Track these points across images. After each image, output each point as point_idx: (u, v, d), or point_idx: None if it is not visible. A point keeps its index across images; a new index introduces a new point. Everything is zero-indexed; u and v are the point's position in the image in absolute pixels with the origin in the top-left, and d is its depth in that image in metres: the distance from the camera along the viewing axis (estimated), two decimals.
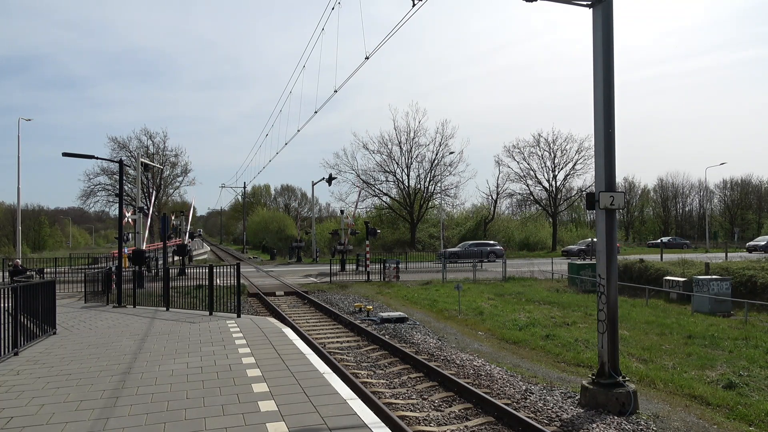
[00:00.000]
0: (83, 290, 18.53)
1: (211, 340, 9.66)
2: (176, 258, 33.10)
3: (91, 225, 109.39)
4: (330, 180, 40.09)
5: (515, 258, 42.41)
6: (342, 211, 44.25)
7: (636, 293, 19.66)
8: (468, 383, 8.75)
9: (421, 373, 9.65)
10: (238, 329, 10.77)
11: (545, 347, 11.89)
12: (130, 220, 25.40)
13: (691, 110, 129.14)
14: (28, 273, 22.49)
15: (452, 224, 59.51)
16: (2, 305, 8.22)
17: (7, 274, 23.79)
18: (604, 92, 7.89)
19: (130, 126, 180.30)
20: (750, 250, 42.85)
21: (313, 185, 45.55)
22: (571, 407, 7.72)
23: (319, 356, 8.83)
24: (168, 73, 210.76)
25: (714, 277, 17.21)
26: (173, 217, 35.49)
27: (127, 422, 5.38)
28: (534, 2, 8.05)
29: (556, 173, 58.48)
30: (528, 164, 58.82)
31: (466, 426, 7.14)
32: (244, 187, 74.25)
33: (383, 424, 5.29)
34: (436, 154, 54.69)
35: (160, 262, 25.39)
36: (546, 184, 59.13)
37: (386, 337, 12.89)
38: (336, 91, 17.71)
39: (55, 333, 10.87)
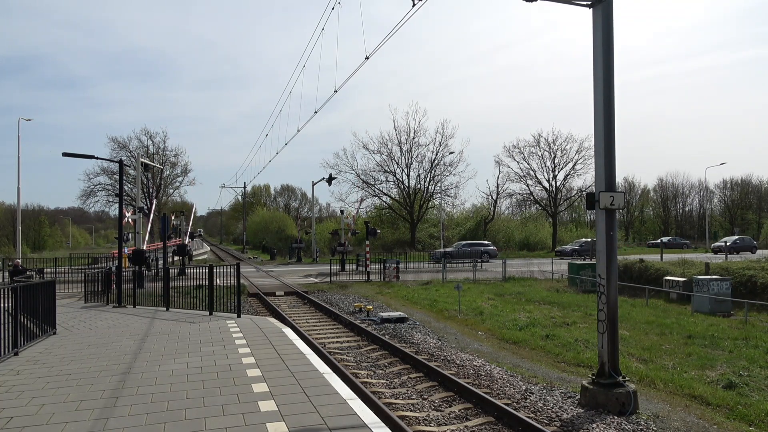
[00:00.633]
0: (83, 290, 18.53)
1: (211, 340, 9.66)
2: (176, 258, 33.10)
3: (91, 225, 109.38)
4: (330, 180, 40.10)
5: (515, 258, 42.40)
6: (342, 211, 44.26)
7: (636, 293, 19.66)
8: (468, 383, 8.75)
9: (421, 373, 9.65)
10: (238, 329, 10.77)
11: (545, 347, 11.89)
12: (130, 220, 25.39)
13: (691, 110, 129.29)
14: (28, 273, 22.48)
15: (452, 224, 59.51)
16: (2, 305, 8.22)
17: (7, 274, 23.79)
18: (604, 92, 7.89)
19: (130, 126, 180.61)
20: (715, 251, 42.39)
21: (313, 185, 45.58)
22: (571, 407, 7.72)
23: (319, 356, 8.83)
24: (168, 73, 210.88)
25: (714, 277, 17.21)
26: (173, 217, 35.48)
27: (127, 422, 5.38)
28: (534, 2, 8.05)
29: (556, 173, 58.57)
30: (528, 164, 58.91)
31: (466, 426, 7.14)
32: (244, 187, 74.34)
33: (383, 424, 5.29)
34: (436, 154, 54.76)
35: (160, 262, 25.39)
36: (546, 184, 59.21)
37: (386, 337, 12.89)
38: (336, 91, 17.72)
39: (55, 333, 10.87)
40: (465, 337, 13.27)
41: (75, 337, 10.46)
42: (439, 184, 54.58)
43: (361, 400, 6.16)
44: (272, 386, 6.57)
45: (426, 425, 7.17)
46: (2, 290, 8.41)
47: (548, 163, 58.51)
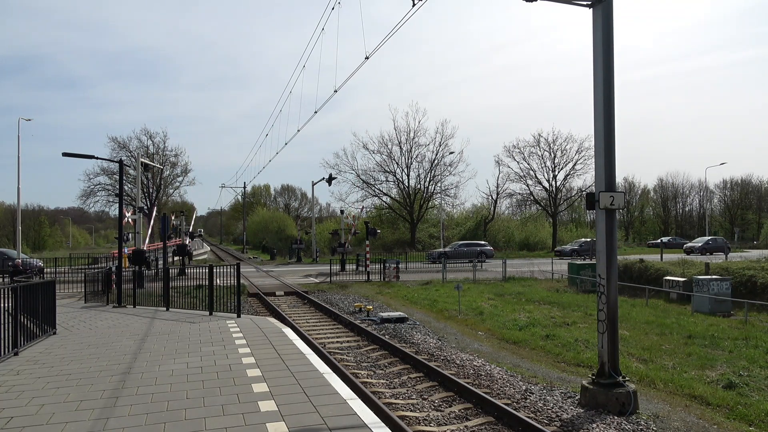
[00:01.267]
0: (83, 290, 18.53)
1: (211, 340, 9.66)
2: (176, 258, 33.09)
3: (91, 225, 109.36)
4: (330, 180, 40.10)
5: (515, 258, 42.39)
6: (342, 211, 44.27)
7: (636, 293, 19.66)
8: (468, 383, 8.75)
9: (421, 373, 9.65)
10: (238, 329, 10.77)
11: (545, 347, 11.89)
12: (130, 220, 25.38)
13: (691, 110, 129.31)
14: (31, 262, 22.29)
15: (452, 224, 59.53)
16: (2, 305, 8.22)
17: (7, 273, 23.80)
18: (604, 92, 7.89)
19: (130, 126, 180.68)
20: (687, 251, 42.25)
21: (313, 185, 45.58)
22: (571, 407, 7.72)
23: (319, 356, 8.83)
24: (168, 73, 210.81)
25: (714, 277, 17.21)
26: (173, 217, 35.48)
27: (127, 422, 5.38)
28: (534, 2, 8.05)
29: (556, 173, 58.60)
30: (528, 164, 58.94)
31: (466, 426, 7.14)
32: (244, 187, 74.32)
33: (383, 424, 5.29)
34: (436, 154, 54.78)
35: (161, 262, 25.38)
36: (546, 184, 59.23)
37: (386, 337, 12.89)
38: (336, 91, 17.72)
39: (55, 333, 10.87)
40: (465, 337, 13.27)
41: (75, 337, 10.46)
42: (439, 184, 54.65)
43: (361, 400, 6.16)
44: (272, 386, 6.58)
45: (426, 425, 7.17)
46: (2, 290, 8.41)
47: (548, 163, 58.60)
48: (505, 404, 7.67)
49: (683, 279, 18.77)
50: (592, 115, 8.04)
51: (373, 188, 56.53)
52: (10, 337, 8.67)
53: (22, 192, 30.70)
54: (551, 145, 57.81)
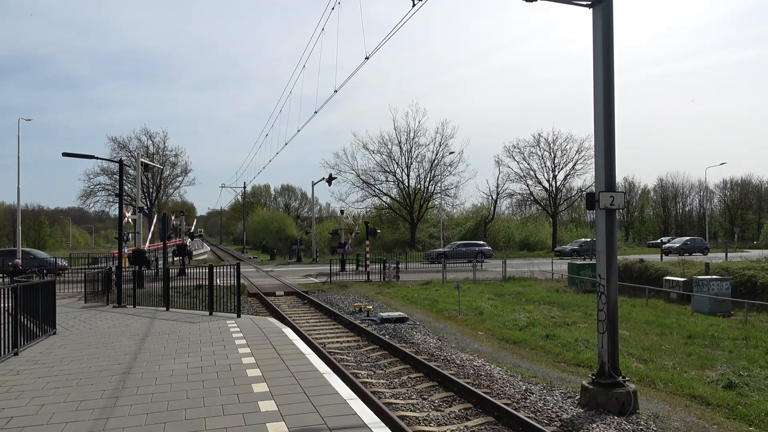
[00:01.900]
0: (83, 290, 18.53)
1: (211, 340, 9.66)
2: (176, 258, 33.10)
3: (91, 225, 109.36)
4: (330, 180, 40.10)
5: (515, 258, 42.40)
6: (342, 211, 44.28)
7: (636, 293, 19.66)
8: (468, 383, 8.75)
9: (421, 373, 9.65)
10: (238, 329, 10.77)
11: (545, 347, 11.89)
12: (130, 220, 25.39)
13: (691, 110, 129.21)
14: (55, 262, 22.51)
15: (452, 224, 59.55)
16: (2, 305, 8.22)
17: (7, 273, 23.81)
18: (604, 92, 7.89)
19: (130, 126, 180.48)
20: (665, 252, 42.10)
21: (313, 185, 45.58)
22: (571, 407, 7.72)
23: (319, 356, 8.83)
24: (168, 73, 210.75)
25: (714, 277, 17.21)
26: (173, 217, 35.49)
27: (127, 422, 5.38)
28: (534, 2, 8.05)
29: (556, 173, 58.62)
30: (528, 164, 58.97)
31: (466, 426, 7.14)
32: (244, 187, 74.33)
33: (383, 424, 5.29)
34: (436, 154, 54.80)
35: (160, 262, 25.39)
36: (546, 184, 59.26)
37: (386, 337, 12.89)
38: (336, 91, 17.73)
39: (55, 333, 10.87)
40: (465, 337, 13.27)
41: (75, 337, 10.46)
42: (439, 184, 54.66)
43: (361, 400, 6.16)
44: (272, 386, 6.58)
45: (426, 425, 7.17)
46: (2, 290, 8.41)
47: (548, 163, 58.62)
48: (505, 404, 7.67)
49: (683, 279, 18.77)
50: (592, 115, 8.05)
51: (373, 188, 56.60)
52: (10, 337, 8.68)
53: (22, 192, 30.70)
54: (551, 145, 57.90)
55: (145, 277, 18.63)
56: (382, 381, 9.34)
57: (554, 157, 58.04)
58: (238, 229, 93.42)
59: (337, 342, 12.62)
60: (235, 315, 12.43)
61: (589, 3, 8.03)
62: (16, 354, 8.75)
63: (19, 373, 7.53)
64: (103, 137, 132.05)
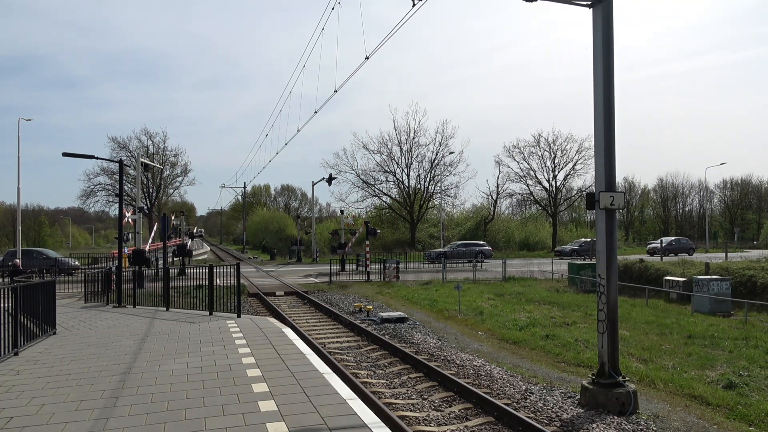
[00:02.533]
0: (83, 290, 18.53)
1: (211, 340, 9.66)
2: (176, 258, 33.11)
3: (91, 225, 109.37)
4: (330, 180, 40.09)
5: (515, 258, 42.40)
6: (342, 211, 44.28)
7: (636, 293, 19.66)
8: (468, 383, 8.75)
9: (421, 373, 9.65)
10: (238, 329, 10.77)
11: (545, 347, 11.89)
12: (130, 220, 25.39)
13: (691, 110, 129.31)
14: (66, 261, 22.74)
15: (452, 224, 59.55)
16: (2, 305, 8.22)
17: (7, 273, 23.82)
18: (604, 92, 7.89)
19: (130, 126, 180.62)
20: (650, 252, 41.95)
21: (313, 185, 45.56)
22: (571, 407, 7.72)
23: (319, 356, 8.83)
24: (167, 73, 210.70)
25: (714, 277, 17.22)
26: (173, 217, 35.50)
27: (127, 422, 5.38)
28: (534, 2, 8.05)
29: (556, 173, 58.64)
30: (528, 164, 58.99)
31: (466, 426, 7.14)
32: (244, 187, 74.32)
33: (383, 424, 5.29)
34: (436, 154, 54.81)
35: (160, 262, 25.40)
36: (546, 184, 59.27)
37: (386, 337, 12.89)
38: (336, 91, 17.73)
39: (55, 333, 10.87)
40: (465, 337, 13.27)
41: (75, 337, 10.46)
42: (439, 184, 54.68)
43: (361, 400, 6.16)
44: (272, 386, 6.58)
45: (426, 425, 7.17)
46: (2, 290, 8.40)
47: (548, 163, 58.64)
48: (505, 404, 7.67)
49: (683, 279, 18.77)
50: (592, 115, 8.05)
51: (373, 188, 56.61)
52: (10, 337, 8.67)
53: (22, 192, 30.69)
54: (551, 145, 57.91)
55: (145, 277, 18.63)
56: (382, 381, 9.34)
57: (554, 157, 58.11)
58: (238, 229, 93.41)
59: (337, 342, 12.61)
60: (235, 315, 12.43)
61: (589, 3, 8.03)
62: (16, 354, 8.75)
63: (19, 373, 7.53)
64: (103, 137, 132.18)
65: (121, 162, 17.27)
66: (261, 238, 71.10)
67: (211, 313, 13.08)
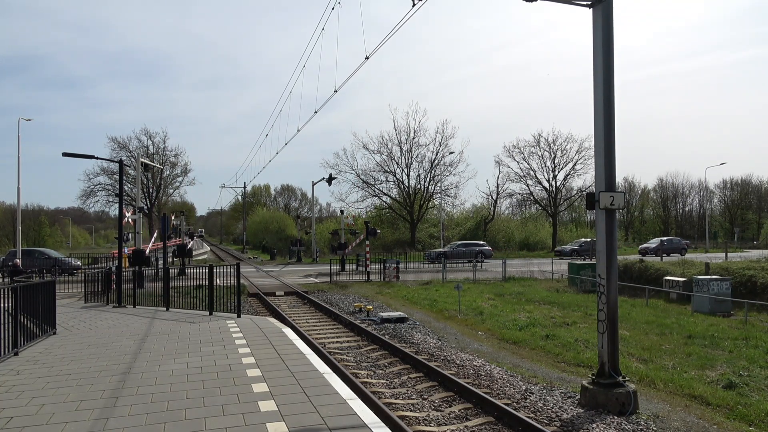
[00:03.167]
0: (83, 290, 18.53)
1: (211, 340, 9.66)
2: (176, 258, 33.10)
3: (91, 225, 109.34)
4: (330, 180, 40.10)
5: (515, 258, 42.40)
6: (342, 211, 44.27)
7: (636, 293, 19.66)
8: (468, 383, 8.75)
9: (421, 373, 9.65)
10: (238, 329, 10.77)
11: (545, 347, 11.89)
12: (130, 220, 25.38)
13: (691, 110, 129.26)
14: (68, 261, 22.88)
15: (452, 224, 59.55)
16: (2, 305, 8.22)
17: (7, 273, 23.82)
18: (604, 92, 7.89)
19: (129, 126, 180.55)
20: (642, 253, 41.87)
21: (313, 185, 45.57)
22: (571, 407, 7.72)
23: (319, 356, 8.83)
24: (167, 73, 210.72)
25: (714, 277, 17.21)
26: (173, 217, 35.48)
27: (127, 422, 5.38)
28: (534, 2, 8.05)
29: (556, 173, 58.65)
30: (528, 164, 59.01)
31: (466, 426, 7.14)
32: (244, 187, 74.34)
33: (383, 424, 5.29)
34: (436, 154, 54.83)
35: (160, 262, 25.41)
36: (546, 184, 59.29)
37: (386, 337, 12.89)
38: (336, 91, 17.73)
39: (55, 333, 10.87)
40: (465, 337, 13.27)
41: (75, 337, 10.46)
42: (439, 184, 54.67)
43: (361, 400, 6.16)
44: (272, 386, 6.58)
45: (426, 425, 7.17)
46: (2, 290, 8.40)
47: (548, 163, 58.65)
48: (505, 404, 7.67)
49: (683, 279, 18.77)
50: (592, 115, 8.05)
51: (373, 188, 56.62)
52: (10, 337, 8.68)
53: (22, 192, 30.68)
54: (551, 145, 57.92)
55: (145, 277, 18.63)
56: (382, 381, 9.34)
57: (554, 157, 58.12)
58: (238, 229, 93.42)
59: (337, 342, 12.61)
60: (235, 315, 12.43)
61: (589, 3, 8.03)
62: (16, 354, 8.75)
63: (19, 373, 7.53)
64: (103, 137, 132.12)
65: (121, 162, 17.27)
66: (261, 238, 71.10)
67: (211, 313, 13.08)
